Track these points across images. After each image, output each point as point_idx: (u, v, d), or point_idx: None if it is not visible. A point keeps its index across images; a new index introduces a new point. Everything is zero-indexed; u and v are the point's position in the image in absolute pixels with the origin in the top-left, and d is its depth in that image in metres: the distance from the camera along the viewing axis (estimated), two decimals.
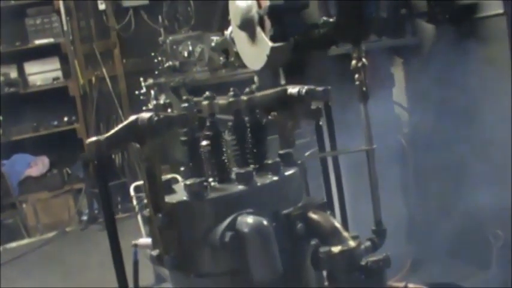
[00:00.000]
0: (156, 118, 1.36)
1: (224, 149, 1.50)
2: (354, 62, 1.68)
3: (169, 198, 1.42)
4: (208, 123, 1.48)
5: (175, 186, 1.49)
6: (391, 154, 4.00)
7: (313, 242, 1.48)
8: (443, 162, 4.07)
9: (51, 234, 8.44)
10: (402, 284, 2.00)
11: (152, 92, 6.49)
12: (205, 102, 1.47)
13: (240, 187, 1.42)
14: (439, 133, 4.05)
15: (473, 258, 4.02)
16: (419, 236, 4.36)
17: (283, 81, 4.15)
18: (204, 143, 1.47)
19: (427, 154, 4.32)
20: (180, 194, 1.44)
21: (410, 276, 3.91)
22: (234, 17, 4.02)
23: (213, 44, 5.46)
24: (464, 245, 4.04)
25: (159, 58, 6.56)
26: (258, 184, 1.44)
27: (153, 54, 6.75)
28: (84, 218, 8.74)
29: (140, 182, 5.94)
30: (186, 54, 6.12)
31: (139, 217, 5.46)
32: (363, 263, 1.44)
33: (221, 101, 1.51)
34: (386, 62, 4.27)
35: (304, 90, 1.59)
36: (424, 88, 4.17)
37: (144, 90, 6.69)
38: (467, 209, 3.93)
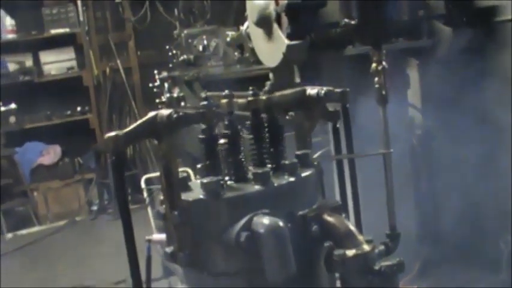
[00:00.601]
0: (175, 115, 1.35)
1: (241, 148, 1.49)
2: (374, 65, 1.67)
3: (185, 196, 1.42)
4: (226, 122, 1.48)
5: (191, 184, 1.49)
6: (403, 156, 3.99)
7: (327, 244, 1.47)
8: (455, 165, 4.06)
9: (61, 223, 8.48)
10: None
11: (166, 84, 6.49)
12: (224, 101, 1.47)
13: (257, 187, 1.42)
14: (452, 136, 4.04)
15: (483, 262, 4.01)
16: (428, 238, 4.35)
17: (298, 79, 4.14)
18: (222, 141, 1.47)
19: (440, 156, 4.31)
20: (196, 192, 1.44)
21: (419, 279, 3.90)
22: (251, 14, 4.02)
23: (228, 39, 5.46)
24: (474, 248, 4.02)
25: (174, 51, 6.55)
26: (275, 184, 1.43)
27: (167, 47, 6.75)
28: (94, 208, 8.77)
29: (151, 175, 5.96)
30: (200, 48, 6.11)
31: (149, 209, 5.47)
32: (376, 267, 1.44)
33: (240, 99, 1.51)
34: (401, 64, 4.25)
35: (323, 92, 1.58)
36: (439, 91, 4.15)
37: (157, 82, 6.69)
38: (478, 213, 3.91)
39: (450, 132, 4.14)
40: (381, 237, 1.72)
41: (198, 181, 1.48)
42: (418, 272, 4.01)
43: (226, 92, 1.47)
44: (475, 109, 3.85)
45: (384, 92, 1.68)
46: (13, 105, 8.75)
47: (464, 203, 4.01)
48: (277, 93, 1.59)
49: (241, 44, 5.24)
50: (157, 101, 6.58)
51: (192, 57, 6.13)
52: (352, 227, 1.46)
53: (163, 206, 1.44)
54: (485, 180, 3.88)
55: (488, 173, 3.90)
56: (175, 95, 6.24)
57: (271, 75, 4.26)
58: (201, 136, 1.46)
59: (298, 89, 1.61)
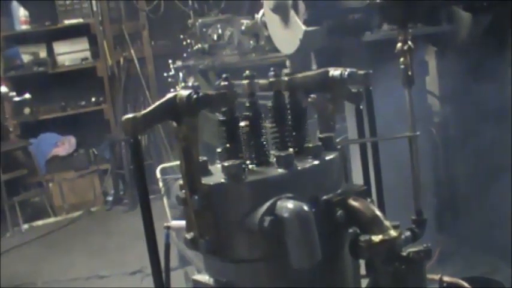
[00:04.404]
0: (195, 96, 1.30)
1: (263, 131, 1.44)
2: (399, 44, 1.62)
3: (206, 180, 1.37)
4: (248, 104, 1.43)
5: (212, 168, 1.45)
6: (421, 143, 3.94)
7: (351, 230, 1.43)
8: (474, 153, 4.02)
9: (76, 214, 8.51)
10: (437, 276, 1.95)
11: (180, 74, 6.48)
12: (245, 82, 1.42)
13: (280, 170, 1.37)
14: (471, 124, 3.99)
15: (503, 252, 3.96)
16: (448, 226, 4.31)
17: (314, 66, 4.10)
18: (243, 123, 1.42)
19: (458, 144, 4.26)
20: (217, 175, 1.39)
21: (438, 267, 3.86)
22: (267, 0, 3.98)
23: (243, 28, 5.41)
24: (494, 237, 3.98)
25: (188, 41, 6.53)
26: (299, 168, 1.38)
27: (182, 36, 6.72)
28: (110, 198, 8.80)
29: (166, 164, 5.94)
30: (215, 37, 6.08)
31: (165, 200, 5.46)
32: (403, 253, 1.39)
33: (261, 81, 1.46)
34: (420, 50, 4.19)
35: (346, 73, 1.53)
36: (458, 78, 4.10)
37: (172, 72, 6.68)
38: (497, 201, 3.86)
39: (468, 120, 4.08)
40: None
41: (219, 165, 1.43)
42: (437, 260, 3.97)
43: (247, 72, 1.42)
44: (494, 96, 3.79)
45: (410, 73, 1.62)
46: (27, 96, 8.77)
47: (484, 191, 3.96)
48: (300, 75, 1.54)
49: (256, 32, 5.19)
50: (172, 90, 6.57)
51: (206, 46, 6.09)
52: (378, 212, 1.41)
53: (183, 190, 1.39)
54: (505, 167, 3.83)
55: (508, 160, 3.85)
56: (190, 84, 6.24)
57: (288, 63, 4.22)
58: (221, 118, 1.42)
59: (321, 70, 1.56)
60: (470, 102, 4.05)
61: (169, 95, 1.34)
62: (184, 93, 1.32)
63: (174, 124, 1.36)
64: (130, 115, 1.32)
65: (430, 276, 2.03)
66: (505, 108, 3.79)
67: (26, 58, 9.12)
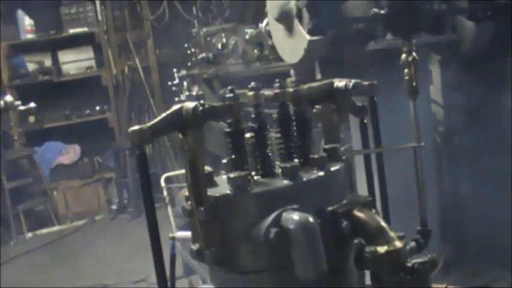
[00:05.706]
0: (201, 108, 1.31)
1: (269, 142, 1.45)
2: (403, 56, 1.63)
3: (211, 191, 1.38)
4: (253, 115, 1.44)
5: (217, 179, 1.45)
6: (425, 152, 3.94)
7: (356, 241, 1.43)
8: (478, 161, 4.02)
9: (80, 222, 8.52)
10: (442, 286, 1.95)
11: (185, 83, 6.50)
12: (250, 93, 1.42)
13: (286, 182, 1.37)
14: (475, 132, 3.99)
15: (507, 260, 3.96)
16: (452, 235, 4.31)
17: (319, 76, 4.11)
18: (249, 135, 1.43)
19: (463, 153, 4.26)
20: (223, 187, 1.40)
21: (442, 276, 3.86)
22: (272, 9, 3.99)
23: (247, 37, 5.44)
24: (497, 246, 3.98)
25: (193, 49, 6.55)
26: (304, 179, 1.39)
27: (186, 45, 6.75)
28: (114, 207, 8.81)
29: (171, 173, 5.95)
30: (219, 46, 6.10)
31: (169, 208, 5.46)
32: (409, 264, 1.40)
33: (266, 92, 1.47)
34: (424, 59, 4.20)
35: (351, 84, 1.54)
36: (462, 87, 4.10)
37: (176, 81, 6.70)
38: (502, 210, 3.86)
39: (473, 129, 4.09)
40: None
41: (224, 176, 1.44)
42: (441, 270, 3.97)
43: (253, 84, 1.43)
44: (498, 105, 3.80)
45: (414, 84, 1.63)
46: (32, 105, 8.78)
47: (488, 200, 3.96)
48: (305, 86, 1.55)
49: (261, 41, 5.22)
50: (176, 99, 6.60)
51: (210, 55, 6.12)
52: (383, 223, 1.42)
53: (189, 202, 1.40)
54: (508, 175, 3.83)
55: None
56: (194, 93, 6.26)
57: (292, 72, 4.23)
58: (226, 130, 1.42)
59: (325, 81, 1.57)
60: (474, 111, 4.05)
61: (175, 107, 1.35)
62: (190, 105, 1.33)
63: (180, 136, 1.36)
64: (136, 127, 1.33)
65: (435, 286, 2.02)
66: (508, 116, 3.80)
67: (31, 67, 9.15)
